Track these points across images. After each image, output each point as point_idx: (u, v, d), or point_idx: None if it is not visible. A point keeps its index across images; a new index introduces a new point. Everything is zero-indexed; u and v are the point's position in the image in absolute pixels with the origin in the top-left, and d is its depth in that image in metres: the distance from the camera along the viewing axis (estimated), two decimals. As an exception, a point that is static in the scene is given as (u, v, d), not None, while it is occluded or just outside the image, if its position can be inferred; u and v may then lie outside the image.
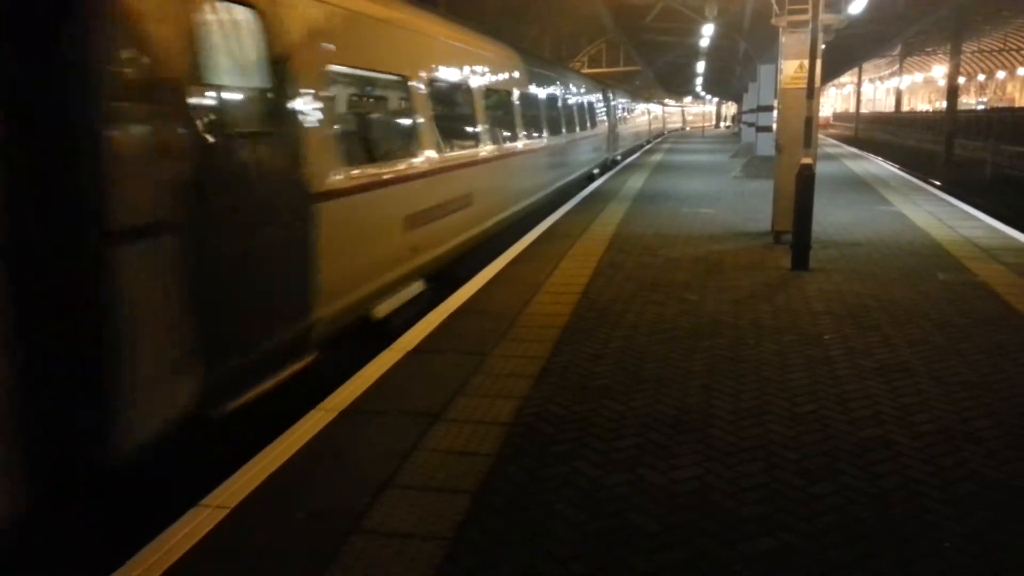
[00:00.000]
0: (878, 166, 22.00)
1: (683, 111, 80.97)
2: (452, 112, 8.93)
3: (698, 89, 64.01)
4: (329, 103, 5.35)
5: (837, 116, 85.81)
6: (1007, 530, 3.20)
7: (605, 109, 22.68)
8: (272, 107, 4.71)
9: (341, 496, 3.52)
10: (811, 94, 8.25)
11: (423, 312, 6.60)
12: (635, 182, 18.02)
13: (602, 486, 3.60)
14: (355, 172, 5.68)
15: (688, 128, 72.97)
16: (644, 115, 39.56)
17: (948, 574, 2.92)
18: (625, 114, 29.76)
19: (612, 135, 24.10)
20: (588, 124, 19.09)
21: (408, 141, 7.24)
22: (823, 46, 8.50)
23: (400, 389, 4.84)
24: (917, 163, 29.46)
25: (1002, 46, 77.61)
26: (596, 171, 20.37)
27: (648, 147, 35.30)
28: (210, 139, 3.96)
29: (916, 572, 2.94)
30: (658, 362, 5.29)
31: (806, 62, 8.39)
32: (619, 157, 25.96)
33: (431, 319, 6.36)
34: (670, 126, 60.41)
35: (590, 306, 6.75)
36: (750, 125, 29.62)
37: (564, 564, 3.00)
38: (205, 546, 3.13)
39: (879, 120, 62.06)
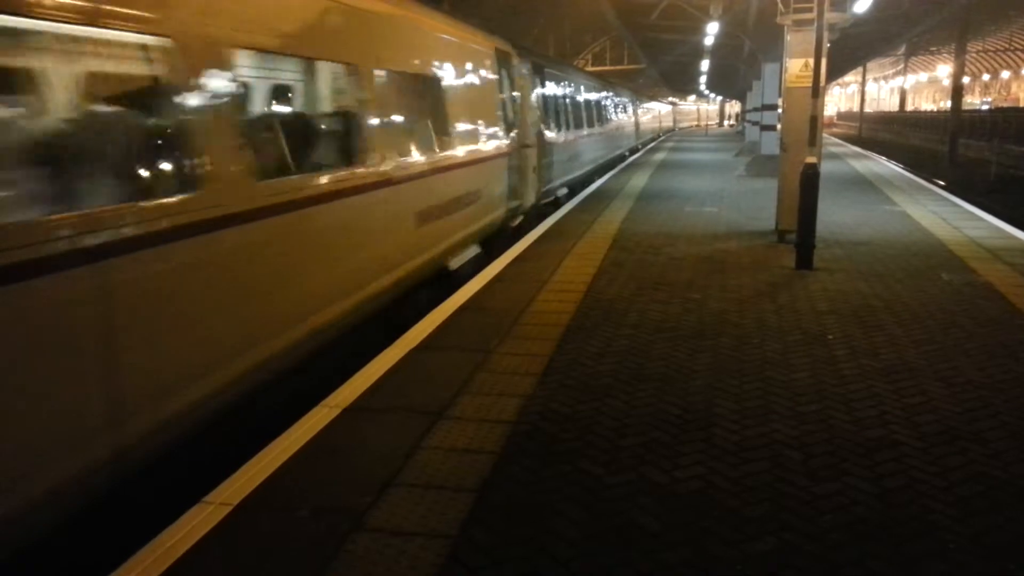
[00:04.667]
0: (882, 166, 21.96)
1: (697, 109, 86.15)
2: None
3: (702, 87, 63.92)
4: None
5: (841, 115, 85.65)
6: (1012, 531, 3.19)
7: (671, 111, 56.88)
8: None
9: (344, 494, 3.52)
10: (816, 93, 8.23)
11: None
12: (638, 180, 18.00)
13: (605, 485, 3.59)
14: None
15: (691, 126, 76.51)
16: (673, 113, 69.64)
17: (952, 575, 2.91)
18: (672, 112, 63.54)
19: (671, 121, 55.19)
20: (669, 118, 58.12)
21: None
22: (828, 45, 8.48)
23: (404, 386, 4.83)
24: (921, 163, 29.40)
25: (1007, 46, 77.36)
26: (662, 137, 43.43)
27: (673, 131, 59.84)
28: None
29: (920, 573, 2.93)
30: (661, 361, 5.28)
31: (811, 61, 8.37)
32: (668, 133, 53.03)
33: (435, 316, 6.35)
34: (682, 124, 76.56)
35: (593, 304, 6.74)
36: (754, 124, 29.58)
37: (567, 563, 3.00)
38: (208, 543, 3.13)
39: (883, 119, 61.92)
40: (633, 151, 30.99)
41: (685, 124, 75.84)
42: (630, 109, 31.33)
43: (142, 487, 3.67)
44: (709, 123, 78.85)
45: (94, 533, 3.49)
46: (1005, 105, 70.24)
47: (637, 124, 34.06)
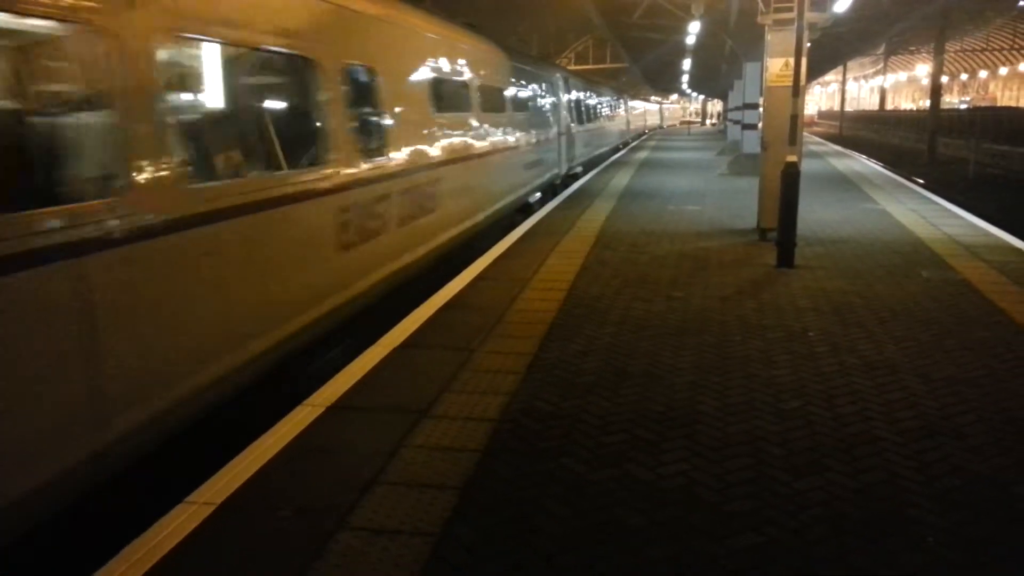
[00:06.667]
0: (862, 164, 22.14)
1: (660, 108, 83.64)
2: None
3: (684, 87, 64.14)
4: None
5: (822, 114, 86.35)
6: (989, 525, 3.24)
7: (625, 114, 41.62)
8: None
9: (328, 493, 3.51)
10: (797, 92, 8.28)
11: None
12: (621, 179, 18.05)
13: (589, 482, 3.60)
14: None
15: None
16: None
17: (930, 568, 2.95)
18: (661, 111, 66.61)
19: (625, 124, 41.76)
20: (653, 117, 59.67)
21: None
22: (808, 44, 8.53)
23: (387, 385, 4.83)
24: (901, 161, 29.68)
25: (985, 46, 78.20)
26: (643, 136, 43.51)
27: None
28: None
29: (899, 566, 2.96)
30: (645, 358, 5.30)
31: (791, 60, 8.43)
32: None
33: (419, 314, 6.34)
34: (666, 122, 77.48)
35: (577, 302, 6.76)
36: (736, 123, 29.74)
37: (550, 560, 3.01)
38: (191, 543, 3.12)
39: (863, 118, 62.45)
40: (573, 177, 19.06)
41: (637, 125, 65.63)
42: (550, 108, 16.80)
43: (124, 487, 3.64)
44: (684, 123, 78.85)
45: (77, 533, 3.47)
46: (983, 104, 71.05)
47: (569, 131, 18.79)
